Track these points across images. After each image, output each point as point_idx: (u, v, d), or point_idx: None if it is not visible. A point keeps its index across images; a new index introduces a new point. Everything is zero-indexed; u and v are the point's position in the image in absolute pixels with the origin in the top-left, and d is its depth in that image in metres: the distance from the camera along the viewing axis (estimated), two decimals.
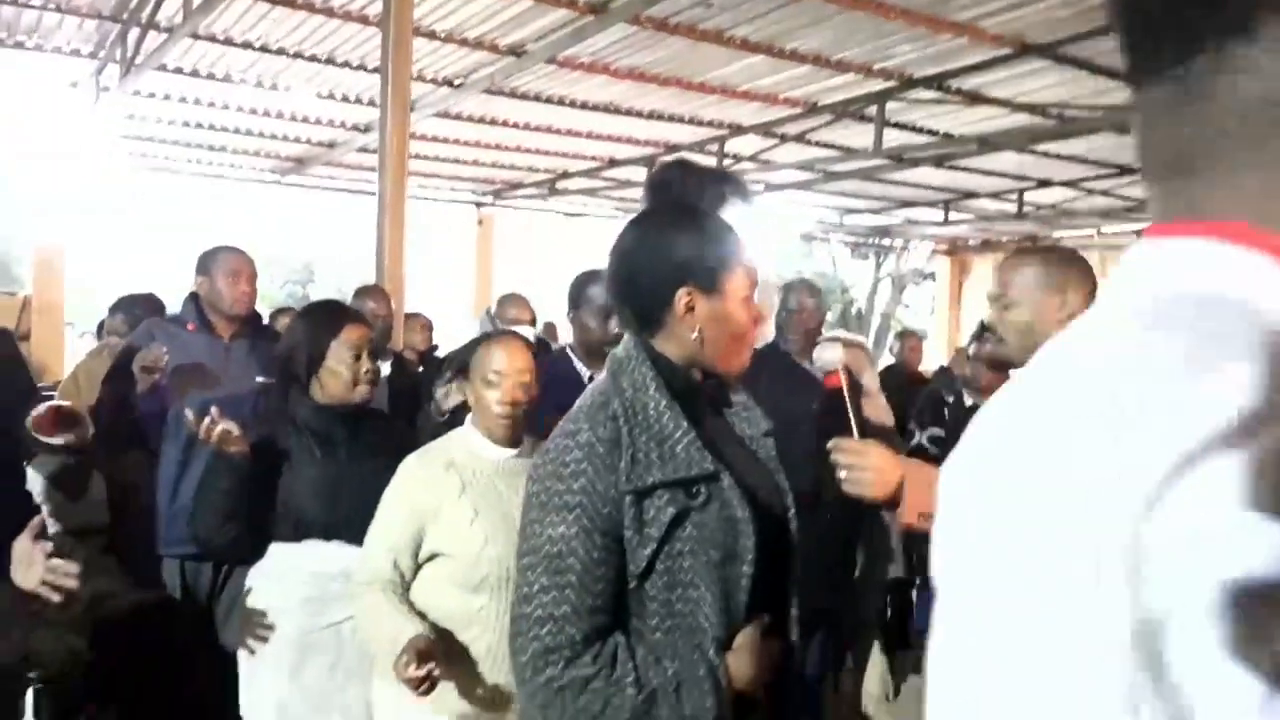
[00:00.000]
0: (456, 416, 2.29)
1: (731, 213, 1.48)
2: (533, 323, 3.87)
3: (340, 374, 2.35)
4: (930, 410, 3.79)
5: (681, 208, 1.46)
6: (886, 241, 14.77)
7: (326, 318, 2.40)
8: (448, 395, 2.71)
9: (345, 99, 7.25)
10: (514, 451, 2.11)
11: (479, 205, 11.34)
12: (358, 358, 2.36)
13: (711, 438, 1.42)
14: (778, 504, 1.49)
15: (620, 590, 1.35)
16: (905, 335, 6.47)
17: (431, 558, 2.06)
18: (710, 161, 7.82)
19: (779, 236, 12.23)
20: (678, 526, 1.33)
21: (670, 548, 1.33)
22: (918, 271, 19.80)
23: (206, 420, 2.10)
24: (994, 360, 3.74)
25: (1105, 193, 9.76)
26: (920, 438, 3.75)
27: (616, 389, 1.40)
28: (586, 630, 1.31)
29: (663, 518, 1.33)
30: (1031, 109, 7.09)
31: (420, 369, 3.99)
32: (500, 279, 11.23)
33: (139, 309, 4.04)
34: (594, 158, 9.23)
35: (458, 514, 2.03)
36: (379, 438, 2.40)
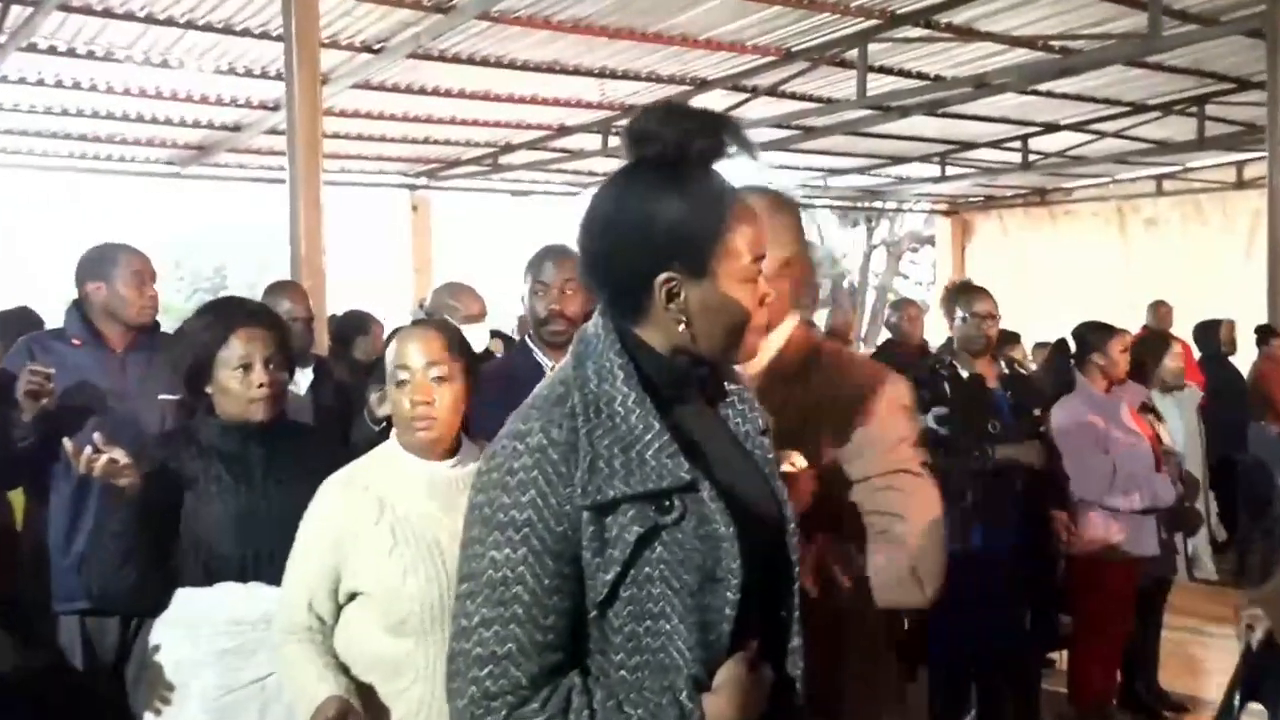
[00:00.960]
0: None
1: (732, 169, 1.36)
2: (482, 316, 3.81)
3: (230, 389, 2.25)
4: (931, 388, 3.78)
5: (662, 167, 1.33)
6: (878, 204, 14.83)
7: (212, 322, 2.31)
8: (381, 401, 2.64)
9: (249, 73, 7.14)
10: (448, 463, 2.04)
11: (412, 188, 11.25)
12: (248, 368, 2.26)
13: (695, 437, 1.35)
14: (772, 515, 1.41)
15: (578, 622, 1.28)
16: (903, 304, 6.45)
17: (353, 597, 1.99)
18: None
19: None
20: (646, 547, 1.26)
21: (637, 572, 1.26)
22: (915, 236, 19.93)
23: (88, 449, 2.02)
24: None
25: (1119, 134, 9.82)
26: (925, 420, 3.73)
27: (578, 379, 1.32)
28: (535, 671, 1.25)
29: (627, 537, 1.26)
30: (1032, 43, 7.09)
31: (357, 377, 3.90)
32: (441, 271, 11.12)
33: (12, 326, 3.92)
34: (540, 126, 9.17)
35: (374, 544, 1.95)
36: (302, 457, 2.31)
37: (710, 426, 1.41)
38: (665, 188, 1.31)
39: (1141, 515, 4.07)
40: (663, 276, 1.30)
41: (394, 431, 2.08)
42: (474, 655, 1.25)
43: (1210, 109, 8.87)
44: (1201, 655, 4.87)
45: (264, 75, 7.13)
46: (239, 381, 2.25)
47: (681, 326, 1.32)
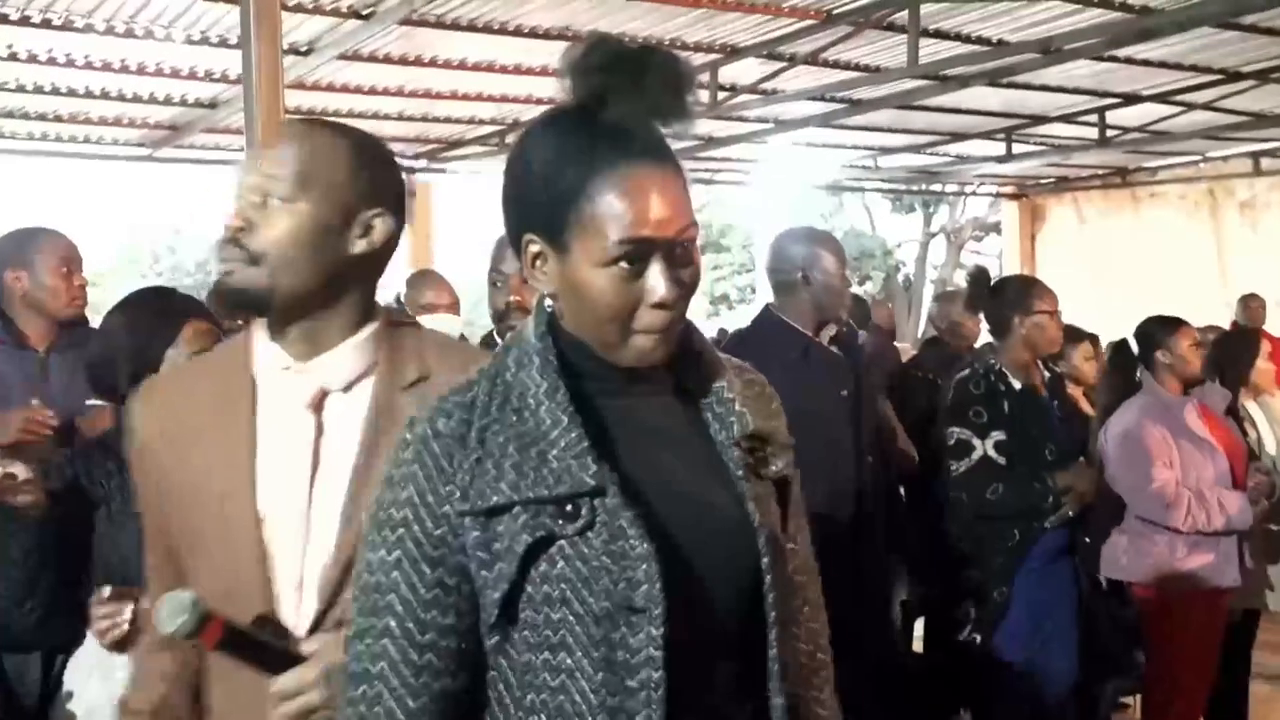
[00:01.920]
0: None
1: (659, 119, 1.24)
2: (454, 307, 3.78)
3: None
4: (989, 407, 3.61)
5: (559, 111, 1.26)
6: (935, 187, 14.70)
7: (154, 313, 2.27)
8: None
9: (224, 42, 7.11)
10: None
11: (410, 171, 11.23)
12: None
13: (626, 437, 1.27)
14: (730, 540, 1.28)
15: (477, 646, 1.24)
16: (947, 298, 6.32)
17: None
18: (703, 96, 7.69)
19: (794, 188, 12.13)
20: (542, 561, 1.20)
21: (535, 591, 1.20)
22: (978, 223, 19.78)
23: None
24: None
25: (1209, 106, 9.65)
26: (984, 448, 3.58)
27: (495, 367, 1.28)
28: (409, 697, 1.20)
29: (515, 548, 1.19)
30: (1109, 2, 6.95)
31: None
32: (444, 262, 11.10)
33: None
34: (552, 101, 8.98)
35: None
36: None
37: (660, 428, 1.31)
38: (545, 133, 1.25)
39: (1218, 538, 3.94)
40: (526, 237, 1.26)
41: None
42: (351, 672, 1.23)
43: None
44: None
45: (239, 45, 7.09)
46: None
47: (549, 301, 1.27)
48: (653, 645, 1.17)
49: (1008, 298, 3.76)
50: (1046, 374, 3.80)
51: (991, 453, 3.58)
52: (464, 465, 1.21)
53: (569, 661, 1.19)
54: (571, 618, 1.19)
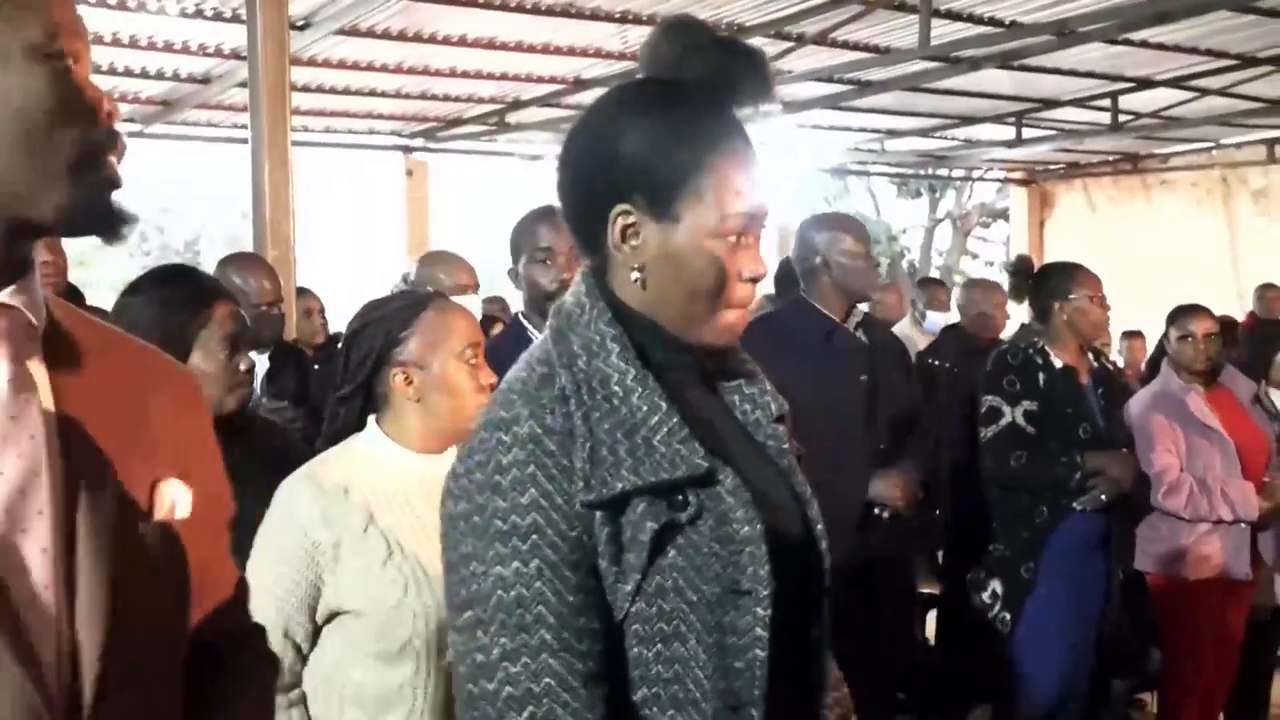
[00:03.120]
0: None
1: (742, 106, 1.32)
2: (474, 288, 3.77)
3: (209, 373, 2.20)
4: (1023, 377, 3.69)
5: (654, 87, 1.30)
6: (943, 172, 14.68)
7: (186, 293, 2.25)
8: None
9: (219, 15, 7.10)
10: (442, 459, 1.98)
11: (407, 150, 11.21)
12: (234, 349, 2.23)
13: (705, 422, 1.29)
14: (795, 517, 1.35)
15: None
16: (983, 285, 6.29)
17: (332, 618, 1.94)
18: None
19: (799, 171, 12.11)
20: (659, 552, 1.20)
21: (647, 583, 1.21)
22: (985, 209, 19.77)
23: None
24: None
25: (1223, 92, 9.64)
26: (1013, 415, 3.66)
27: (563, 355, 1.26)
28: (589, 711, 1.19)
29: (642, 537, 1.19)
30: None
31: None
32: (439, 244, 11.08)
33: None
34: (553, 79, 9.09)
35: (365, 554, 1.91)
36: (256, 456, 2.27)
37: (716, 413, 1.35)
38: (645, 107, 1.27)
39: (1226, 528, 3.98)
40: (620, 207, 1.26)
41: (372, 420, 2.04)
42: (505, 697, 1.18)
43: None
44: None
45: (235, 19, 7.07)
46: (223, 366, 2.21)
47: (635, 274, 1.27)
48: (760, 625, 1.21)
49: (1050, 284, 3.86)
50: (1095, 364, 3.84)
51: (1019, 420, 3.69)
52: (581, 457, 1.20)
53: (683, 651, 1.20)
54: (685, 606, 1.20)
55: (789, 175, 11.73)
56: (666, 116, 1.27)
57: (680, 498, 1.21)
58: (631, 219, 1.27)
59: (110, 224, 1.05)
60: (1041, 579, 3.63)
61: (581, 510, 1.20)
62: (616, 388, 1.23)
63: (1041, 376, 3.71)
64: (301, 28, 6.96)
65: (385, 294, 2.40)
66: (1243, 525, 3.96)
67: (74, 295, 3.16)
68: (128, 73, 8.37)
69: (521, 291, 2.96)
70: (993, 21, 7.63)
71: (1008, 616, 3.66)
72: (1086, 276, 3.82)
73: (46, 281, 3.02)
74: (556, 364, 1.26)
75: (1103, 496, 3.61)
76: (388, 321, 2.04)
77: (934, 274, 20.28)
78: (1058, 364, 3.73)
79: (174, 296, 2.25)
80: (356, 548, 1.90)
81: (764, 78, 1.31)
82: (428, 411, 1.99)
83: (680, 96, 1.28)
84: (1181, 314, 4.16)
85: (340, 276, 10.80)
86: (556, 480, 1.20)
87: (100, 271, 16.52)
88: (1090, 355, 3.85)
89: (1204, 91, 9.69)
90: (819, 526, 1.37)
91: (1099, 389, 3.79)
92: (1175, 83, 9.49)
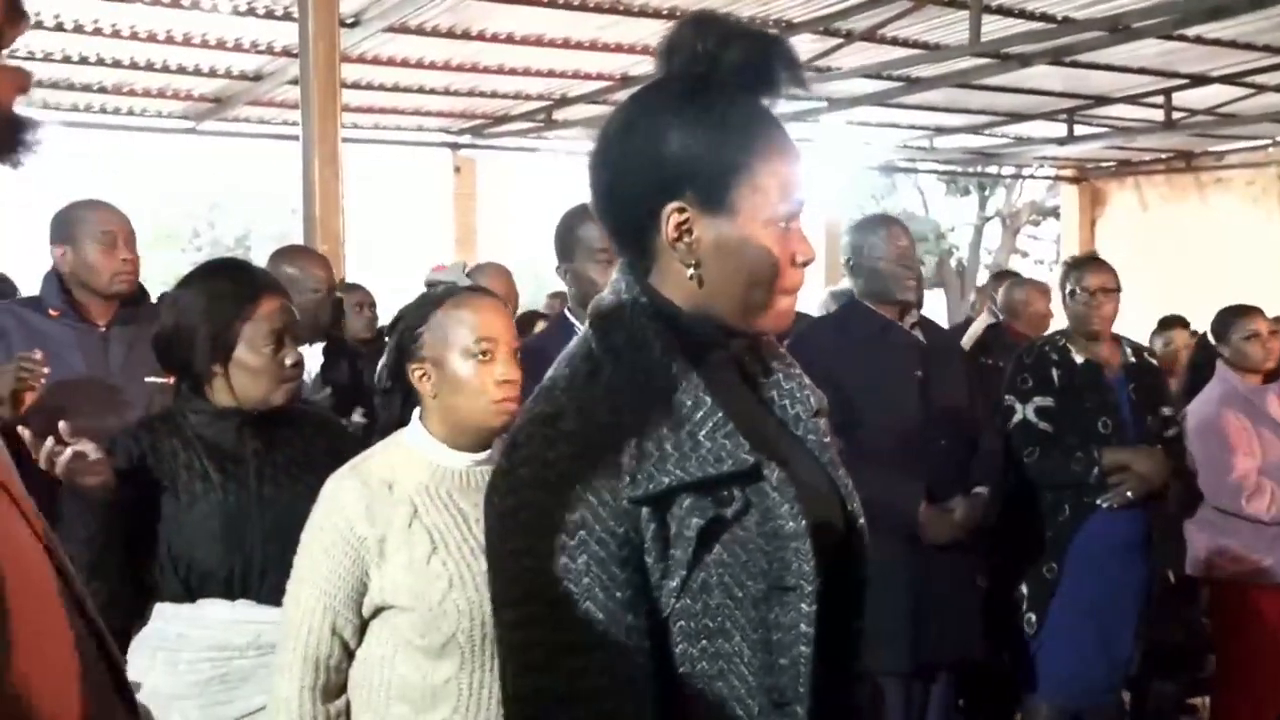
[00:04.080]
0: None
1: (775, 97, 1.32)
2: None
3: (256, 368, 2.23)
4: (1035, 373, 3.68)
5: (690, 82, 1.29)
6: (992, 169, 14.55)
7: (233, 287, 2.26)
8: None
9: (270, 14, 7.15)
10: (483, 456, 2.00)
11: (455, 147, 11.25)
12: (280, 343, 2.24)
13: (747, 417, 1.29)
14: (837, 510, 1.36)
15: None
16: (1025, 283, 6.25)
17: (377, 613, 1.95)
18: None
19: (847, 167, 12.05)
20: (704, 548, 1.20)
21: (692, 579, 1.20)
22: (1036, 207, 19.57)
23: (49, 442, 1.98)
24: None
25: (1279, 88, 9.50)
26: (1024, 411, 3.65)
27: (606, 350, 1.27)
28: (648, 707, 1.19)
29: (688, 533, 1.19)
30: None
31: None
32: (486, 241, 11.12)
33: None
34: (600, 76, 9.10)
35: (410, 549, 1.91)
36: (308, 450, 2.30)
37: (756, 408, 1.36)
38: (686, 104, 1.27)
39: None
40: (672, 205, 1.26)
41: (416, 414, 2.04)
42: (553, 693, 1.18)
43: None
44: None
45: (287, 17, 7.13)
46: (268, 360, 2.22)
47: (690, 271, 1.27)
48: (805, 621, 1.21)
49: (1062, 278, 3.89)
50: (1133, 358, 3.78)
51: (1031, 416, 3.69)
52: (628, 452, 1.20)
53: (728, 647, 1.20)
54: (730, 602, 1.20)
55: (837, 172, 11.67)
56: (710, 111, 1.27)
57: (726, 493, 1.21)
58: (685, 216, 1.27)
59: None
60: (1066, 579, 3.59)
61: (628, 506, 1.19)
62: (661, 383, 1.24)
63: (1056, 372, 3.69)
64: (351, 25, 7.00)
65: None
66: None
67: (141, 294, 3.19)
68: (180, 70, 8.47)
69: (571, 289, 2.96)
70: (1044, 17, 7.55)
71: (1033, 617, 3.63)
72: (1094, 269, 3.79)
73: (125, 280, 3.06)
74: (602, 359, 1.26)
75: (1129, 494, 3.55)
76: (408, 317, 2.04)
77: (983, 272, 20.11)
78: (1079, 359, 3.71)
79: (221, 290, 2.26)
80: (401, 543, 1.91)
81: (795, 67, 1.30)
82: (446, 408, 1.98)
83: (718, 91, 1.28)
84: (1239, 314, 4.10)
85: (389, 272, 10.85)
86: (603, 476, 1.19)
87: (152, 267, 16.71)
88: (1129, 350, 3.80)
89: (1260, 88, 9.55)
90: (861, 521, 1.37)
91: (1130, 384, 3.73)
92: (1230, 79, 9.35)
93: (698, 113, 1.27)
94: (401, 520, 1.92)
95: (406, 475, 1.97)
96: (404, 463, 1.99)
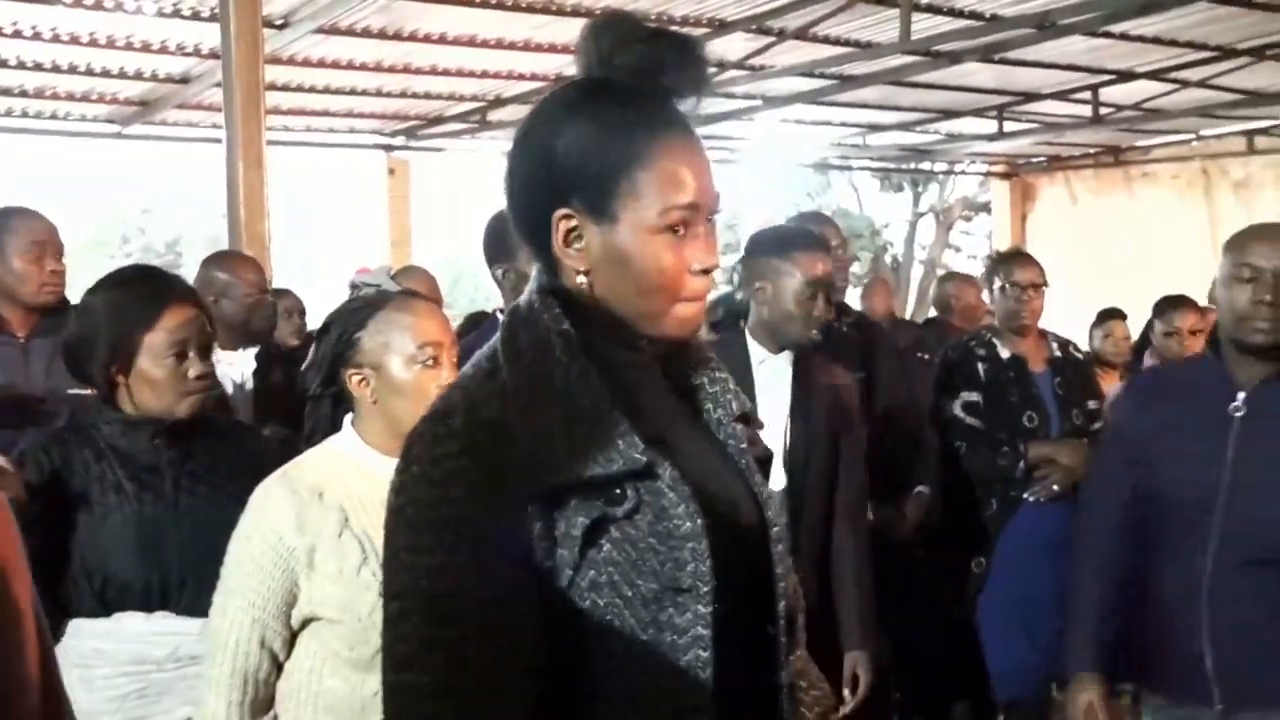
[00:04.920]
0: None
1: (674, 99, 1.30)
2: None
3: (157, 380, 2.17)
4: (961, 370, 3.69)
5: (584, 86, 1.29)
6: (925, 166, 14.67)
7: (136, 296, 2.21)
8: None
9: (196, 15, 7.04)
10: None
11: (389, 149, 11.16)
12: (182, 355, 2.18)
13: (652, 418, 1.28)
14: (750, 515, 1.34)
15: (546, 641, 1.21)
16: (958, 278, 6.34)
17: (305, 624, 1.91)
18: None
19: (781, 166, 12.10)
20: (591, 546, 1.19)
21: (581, 578, 1.20)
22: (968, 202, 19.79)
23: None
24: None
25: (1204, 83, 9.66)
26: (953, 407, 3.67)
27: (510, 351, 1.26)
28: (507, 705, 1.17)
29: (574, 532, 1.18)
30: None
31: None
32: (422, 245, 11.04)
33: None
34: (535, 76, 9.06)
35: (340, 559, 1.87)
36: (227, 459, 2.25)
37: (670, 408, 1.34)
38: (577, 108, 1.26)
39: None
40: (560, 212, 1.25)
41: (348, 420, 2.00)
42: (424, 688, 1.17)
43: None
44: None
45: (212, 18, 7.01)
46: (170, 371, 2.17)
47: (581, 278, 1.26)
48: (700, 624, 1.19)
49: (988, 271, 3.93)
50: (1059, 352, 3.78)
51: (958, 412, 3.70)
52: (516, 450, 1.19)
53: (619, 647, 1.19)
54: (620, 601, 1.19)
55: (771, 171, 11.72)
56: (597, 115, 1.26)
57: (618, 492, 1.20)
58: (573, 222, 1.26)
59: None
60: (994, 573, 3.59)
61: (514, 504, 1.19)
62: (559, 383, 1.23)
63: (982, 367, 3.69)
64: (280, 26, 6.91)
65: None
66: None
67: (64, 304, 3.13)
68: (105, 73, 8.31)
69: (507, 290, 2.95)
70: (973, 15, 7.62)
71: (965, 612, 3.64)
72: (1019, 264, 3.80)
73: (52, 291, 3.01)
74: (502, 359, 1.25)
75: (1055, 487, 3.56)
76: (343, 321, 1.99)
77: (917, 268, 20.32)
78: (1005, 354, 3.71)
79: (122, 299, 2.21)
80: (331, 552, 1.87)
81: (697, 66, 1.28)
82: (386, 414, 1.94)
83: (611, 93, 1.27)
84: (1172, 306, 4.16)
85: (324, 276, 10.73)
86: (490, 473, 1.19)
87: (82, 275, 16.43)
88: (1055, 345, 3.81)
89: (1184, 83, 9.71)
90: (776, 528, 1.36)
91: (1056, 378, 3.75)
92: (1155, 75, 9.50)
93: (586, 118, 1.25)
94: (332, 529, 1.89)
95: (338, 483, 1.93)
96: (335, 470, 1.95)
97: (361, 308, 2.00)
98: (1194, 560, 2.38)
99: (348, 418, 2.01)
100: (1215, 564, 2.35)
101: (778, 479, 2.96)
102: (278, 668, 1.91)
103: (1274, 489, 2.34)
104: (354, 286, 2.03)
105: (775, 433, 2.97)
